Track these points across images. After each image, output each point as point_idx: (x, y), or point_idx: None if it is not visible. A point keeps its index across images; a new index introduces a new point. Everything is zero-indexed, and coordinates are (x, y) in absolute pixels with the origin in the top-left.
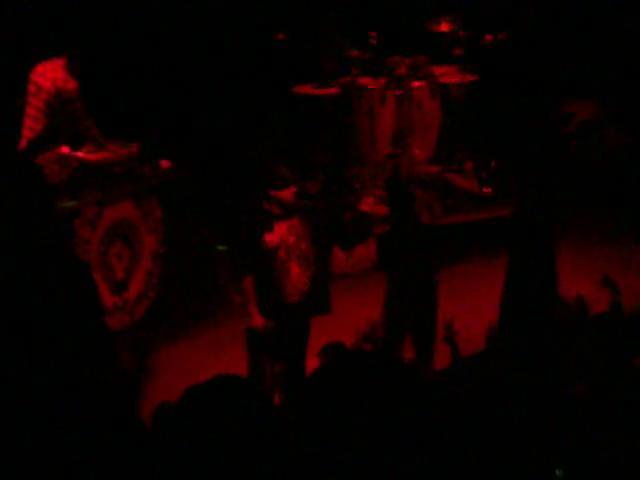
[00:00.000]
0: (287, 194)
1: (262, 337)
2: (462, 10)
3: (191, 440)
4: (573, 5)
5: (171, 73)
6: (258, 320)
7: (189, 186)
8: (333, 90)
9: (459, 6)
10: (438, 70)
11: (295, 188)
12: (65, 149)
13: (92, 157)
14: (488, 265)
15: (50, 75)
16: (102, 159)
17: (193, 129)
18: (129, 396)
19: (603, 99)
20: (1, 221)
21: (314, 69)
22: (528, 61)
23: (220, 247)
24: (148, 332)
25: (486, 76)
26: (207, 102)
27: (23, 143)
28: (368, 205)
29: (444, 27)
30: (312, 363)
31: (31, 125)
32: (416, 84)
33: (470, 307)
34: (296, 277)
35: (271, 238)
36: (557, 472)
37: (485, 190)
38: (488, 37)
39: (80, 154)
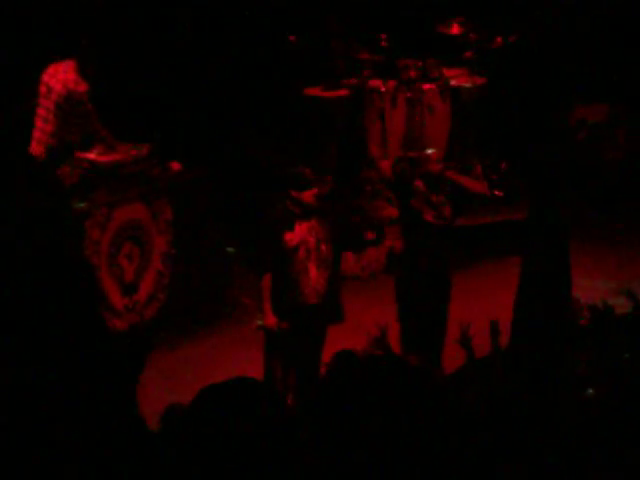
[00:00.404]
0: (308, 195)
1: (274, 337)
2: (473, 13)
3: (203, 441)
4: (585, 8)
5: (182, 74)
6: (271, 319)
7: (200, 187)
8: (343, 92)
9: (470, 9)
10: (449, 73)
11: (316, 190)
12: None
13: (103, 159)
14: (503, 267)
15: (61, 77)
16: (112, 161)
17: (203, 130)
18: (129, 396)
19: (613, 102)
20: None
21: (324, 71)
22: (539, 64)
23: (230, 249)
24: (155, 333)
25: (496, 79)
26: (217, 103)
27: (34, 144)
28: (380, 208)
29: (455, 30)
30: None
31: (41, 126)
32: (427, 87)
33: (484, 309)
34: (315, 278)
35: (291, 237)
36: None
37: (496, 192)
38: (499, 40)
39: (91, 156)
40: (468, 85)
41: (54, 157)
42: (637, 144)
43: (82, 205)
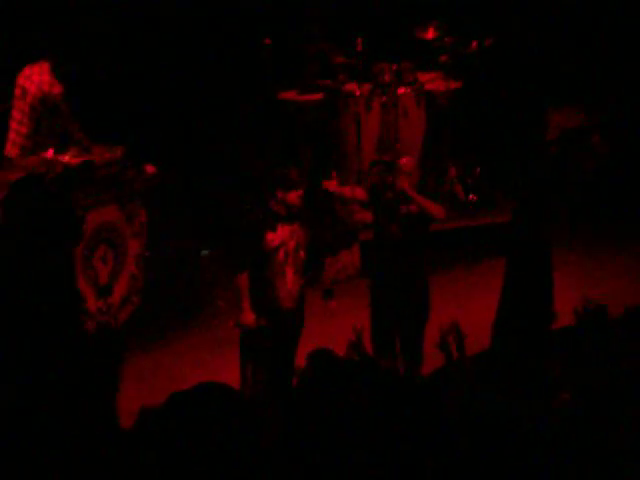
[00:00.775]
0: (293, 197)
1: (251, 335)
2: (448, 16)
3: (174, 445)
4: (561, 12)
5: (156, 77)
6: (249, 316)
7: (174, 190)
8: (318, 96)
9: (445, 12)
10: (424, 77)
11: (301, 191)
12: (50, 153)
13: (77, 161)
14: (484, 270)
15: (36, 78)
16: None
17: (177, 133)
18: (106, 400)
19: (589, 107)
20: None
21: (298, 74)
22: (513, 68)
23: (204, 252)
24: (128, 336)
25: (471, 83)
26: (192, 106)
27: (9, 147)
28: (354, 212)
29: (430, 34)
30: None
31: (17, 128)
32: (402, 90)
33: (465, 312)
34: (291, 282)
35: (272, 238)
36: None
37: (471, 197)
38: (474, 44)
39: (65, 158)
40: (443, 89)
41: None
42: (614, 149)
43: None
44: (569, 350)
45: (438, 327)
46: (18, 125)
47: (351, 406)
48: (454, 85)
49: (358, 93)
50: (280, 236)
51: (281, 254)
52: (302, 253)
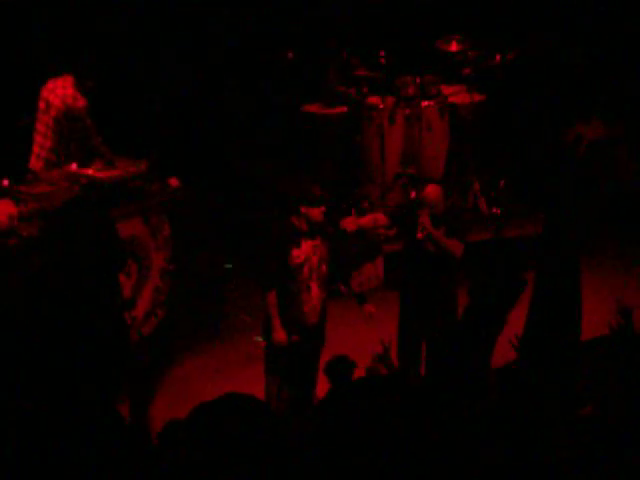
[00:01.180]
0: (316, 212)
1: (278, 353)
2: (471, 30)
3: (198, 457)
4: (584, 26)
5: (181, 91)
6: (281, 334)
7: (198, 204)
8: (342, 109)
9: (468, 26)
10: (447, 90)
11: (324, 207)
12: (74, 166)
13: (101, 174)
14: None
15: (60, 92)
16: (111, 176)
17: (201, 146)
18: (137, 414)
19: (613, 120)
20: None
21: (321, 88)
22: (538, 81)
23: (228, 266)
24: (154, 350)
25: (495, 96)
26: (216, 120)
27: (33, 160)
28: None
29: (453, 47)
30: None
31: (41, 142)
32: (425, 103)
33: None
34: (316, 297)
35: (298, 254)
36: None
37: (494, 210)
38: (497, 57)
39: (89, 171)
40: (466, 102)
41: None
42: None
43: None
44: (599, 363)
45: None
46: (42, 138)
47: (372, 420)
48: (477, 98)
49: (382, 106)
50: (304, 252)
51: (306, 270)
52: (324, 267)
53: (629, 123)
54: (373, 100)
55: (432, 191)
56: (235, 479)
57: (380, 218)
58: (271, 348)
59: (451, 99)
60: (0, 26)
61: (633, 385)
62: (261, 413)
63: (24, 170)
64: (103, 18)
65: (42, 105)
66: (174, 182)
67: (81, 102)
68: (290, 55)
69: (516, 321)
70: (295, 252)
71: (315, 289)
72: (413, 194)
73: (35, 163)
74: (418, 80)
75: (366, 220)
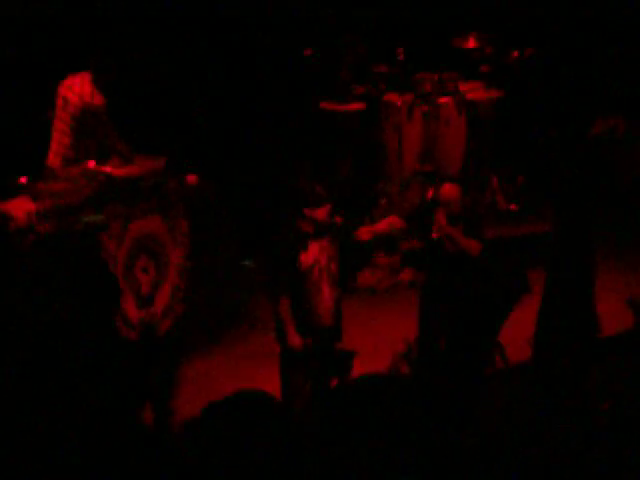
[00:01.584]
0: (321, 213)
1: (298, 357)
2: (489, 26)
3: (211, 454)
4: (600, 21)
5: (199, 88)
6: (296, 340)
7: (216, 200)
8: (360, 106)
9: (486, 22)
10: (465, 86)
11: (329, 207)
12: (92, 163)
13: (119, 171)
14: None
15: (78, 89)
16: (129, 173)
17: (219, 143)
18: (158, 408)
19: (632, 115)
20: None
21: (339, 84)
22: (556, 78)
23: (246, 262)
24: (174, 347)
25: (513, 92)
26: (233, 116)
27: (51, 157)
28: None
29: (471, 43)
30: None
31: (59, 138)
32: (443, 100)
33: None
34: (328, 298)
35: (306, 258)
36: None
37: (511, 206)
38: (515, 53)
39: (107, 168)
40: (484, 99)
41: None
42: None
43: (98, 218)
44: (616, 358)
45: None
46: (60, 135)
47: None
48: (495, 94)
49: (399, 103)
50: (312, 254)
51: (315, 272)
52: (334, 266)
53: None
54: (391, 97)
55: (448, 190)
56: (249, 474)
57: (395, 222)
58: (288, 352)
59: (469, 96)
60: (17, 23)
61: None
62: (273, 409)
63: (42, 167)
64: (119, 15)
65: (60, 102)
66: (192, 179)
67: (99, 99)
68: (309, 52)
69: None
70: (303, 256)
71: (326, 289)
72: (430, 192)
73: (53, 160)
74: (436, 77)
75: (382, 226)
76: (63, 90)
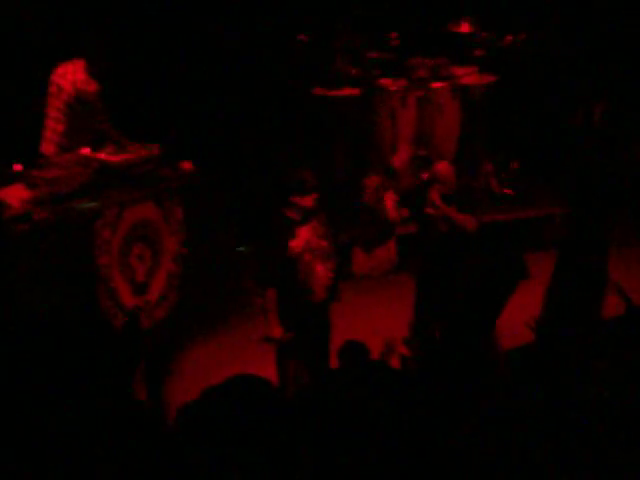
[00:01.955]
0: (308, 200)
1: (283, 345)
2: (483, 11)
3: (207, 439)
4: (597, 8)
5: (192, 74)
6: (277, 331)
7: (211, 187)
8: (353, 91)
9: (480, 7)
10: (459, 71)
11: (316, 194)
12: (86, 150)
13: (113, 158)
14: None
15: (70, 77)
16: (123, 160)
17: (213, 130)
18: (151, 395)
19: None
20: None
21: (332, 70)
22: (549, 62)
23: (241, 248)
24: (168, 334)
25: (506, 77)
26: (227, 103)
27: (45, 144)
28: (389, 207)
29: (465, 28)
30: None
31: (53, 126)
32: (437, 85)
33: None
34: (321, 275)
35: (296, 244)
36: None
37: (506, 191)
38: (509, 38)
39: (101, 155)
40: (478, 84)
41: None
42: None
43: (93, 205)
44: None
45: None
46: (54, 123)
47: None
48: (489, 79)
49: (393, 88)
50: (302, 240)
51: (307, 255)
52: (324, 242)
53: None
54: (384, 82)
55: (442, 167)
56: (246, 462)
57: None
58: (268, 341)
59: (463, 81)
60: (10, 11)
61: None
62: (272, 394)
63: (36, 155)
64: (113, 2)
65: (53, 90)
66: (187, 166)
67: (92, 86)
68: (304, 38)
69: (529, 303)
70: (293, 243)
71: (319, 268)
72: (425, 176)
73: (47, 148)
74: (430, 62)
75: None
76: (56, 78)
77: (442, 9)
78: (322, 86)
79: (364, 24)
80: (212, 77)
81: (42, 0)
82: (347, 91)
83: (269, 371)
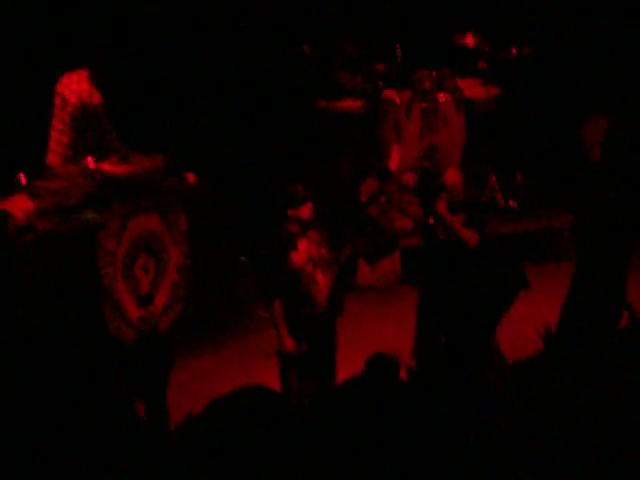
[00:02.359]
0: (304, 211)
1: (292, 358)
2: (487, 23)
3: (214, 450)
4: (600, 19)
5: (196, 85)
6: (290, 343)
7: (214, 199)
8: (358, 103)
9: (484, 19)
10: (463, 83)
11: (311, 204)
12: (90, 161)
13: (117, 170)
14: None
15: (75, 87)
16: (127, 172)
17: (217, 141)
18: (153, 407)
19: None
20: None
21: (337, 82)
22: (553, 75)
23: (244, 258)
24: (173, 345)
25: (511, 89)
26: (231, 115)
27: (50, 156)
28: (393, 219)
29: (469, 40)
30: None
31: (58, 137)
32: (441, 97)
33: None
34: (323, 284)
35: (297, 256)
36: None
37: (511, 204)
38: (513, 50)
39: (105, 167)
40: (482, 96)
41: None
42: None
43: (97, 216)
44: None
45: None
46: (59, 134)
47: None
48: (494, 91)
49: (398, 100)
50: (303, 251)
51: (309, 267)
52: (324, 250)
53: None
54: (389, 94)
55: (452, 175)
56: (252, 471)
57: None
58: (281, 354)
59: (467, 93)
60: (14, 21)
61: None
62: (278, 405)
63: (41, 166)
64: (117, 13)
65: (58, 101)
66: (191, 177)
67: (97, 97)
68: (308, 50)
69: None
70: (295, 255)
71: (321, 277)
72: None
73: (52, 159)
74: (434, 74)
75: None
76: (61, 88)
77: (447, 21)
78: (327, 98)
79: (368, 36)
80: (216, 89)
81: (46, 11)
82: (351, 103)
83: (272, 382)
